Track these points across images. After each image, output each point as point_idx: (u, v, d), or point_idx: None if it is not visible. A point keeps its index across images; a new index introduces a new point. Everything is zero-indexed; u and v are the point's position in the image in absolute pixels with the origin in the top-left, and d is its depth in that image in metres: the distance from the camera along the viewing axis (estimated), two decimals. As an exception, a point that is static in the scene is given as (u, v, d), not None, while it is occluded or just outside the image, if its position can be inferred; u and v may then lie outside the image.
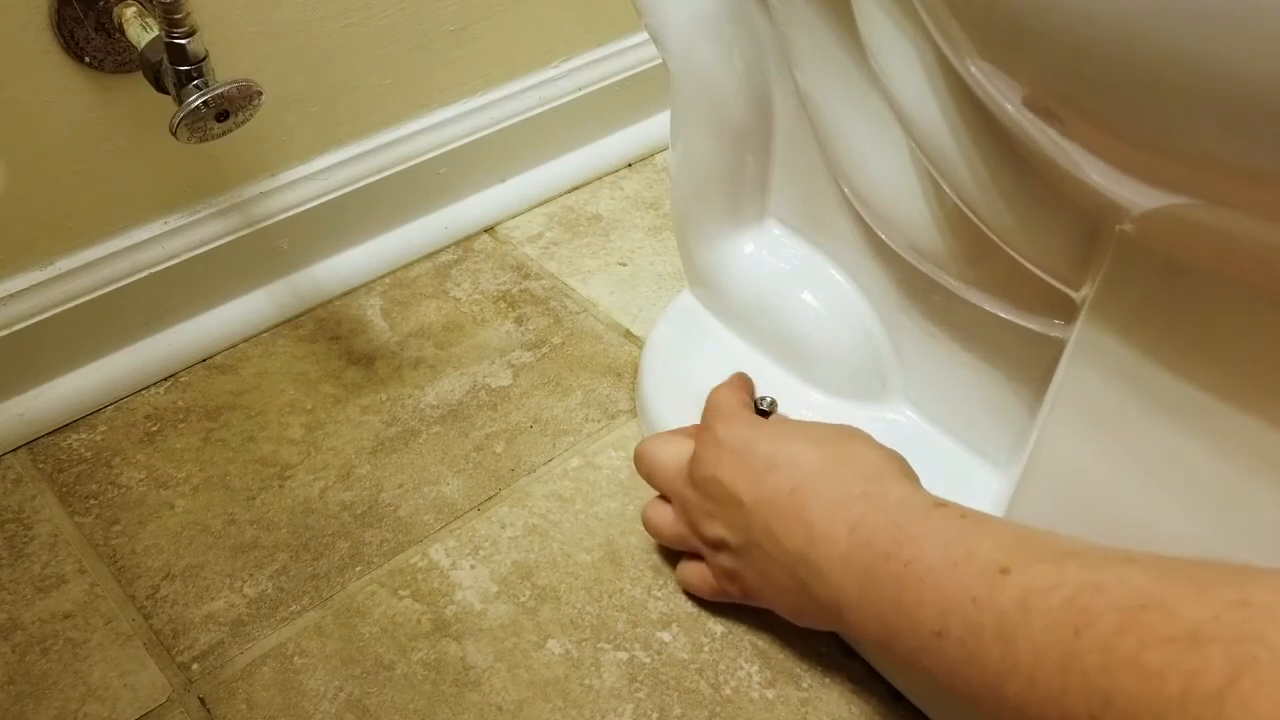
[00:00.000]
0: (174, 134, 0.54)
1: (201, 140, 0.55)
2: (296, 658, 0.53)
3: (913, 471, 0.46)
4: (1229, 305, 0.34)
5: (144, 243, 0.65)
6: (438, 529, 0.59)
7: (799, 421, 0.54)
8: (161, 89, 0.56)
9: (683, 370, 0.63)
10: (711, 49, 0.54)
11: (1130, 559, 0.33)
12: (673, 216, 0.68)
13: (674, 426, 0.59)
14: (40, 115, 0.59)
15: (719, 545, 0.49)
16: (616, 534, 0.58)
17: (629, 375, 0.68)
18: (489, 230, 0.80)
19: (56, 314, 0.63)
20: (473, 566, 0.57)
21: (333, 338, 0.71)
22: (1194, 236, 0.32)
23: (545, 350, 0.70)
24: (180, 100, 0.54)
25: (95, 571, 0.57)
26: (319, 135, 0.71)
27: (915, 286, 0.54)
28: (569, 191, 0.84)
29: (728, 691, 0.51)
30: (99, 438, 0.64)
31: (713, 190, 0.59)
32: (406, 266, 0.77)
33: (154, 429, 0.65)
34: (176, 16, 0.52)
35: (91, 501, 0.61)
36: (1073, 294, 0.41)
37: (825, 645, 0.53)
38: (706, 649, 0.53)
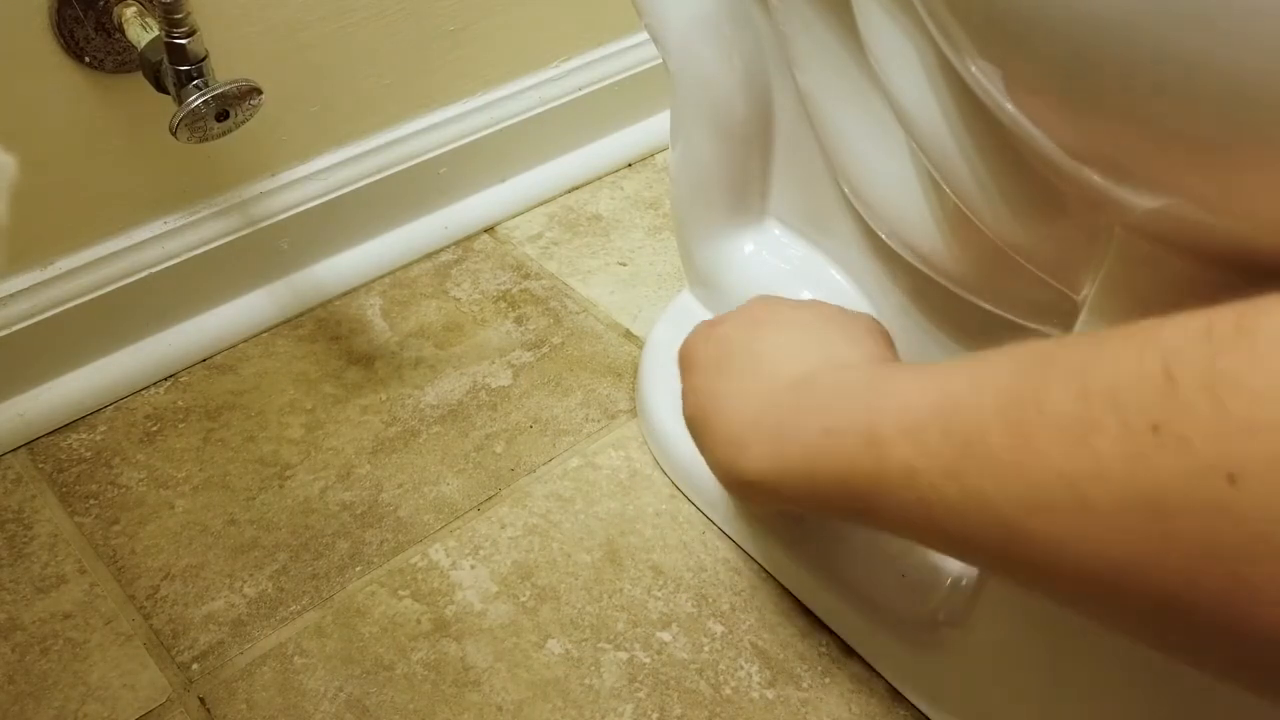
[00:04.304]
0: (174, 134, 0.54)
1: (201, 140, 0.56)
2: (296, 658, 0.53)
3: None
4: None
5: (144, 243, 0.65)
6: (438, 529, 0.59)
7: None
8: (161, 89, 0.56)
9: (683, 370, 0.63)
10: (711, 49, 0.54)
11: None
12: (673, 216, 0.68)
13: (674, 427, 0.59)
14: (40, 115, 0.59)
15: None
16: (616, 534, 0.58)
17: (629, 375, 0.68)
18: (489, 230, 0.80)
19: (56, 314, 0.63)
20: (473, 566, 0.57)
21: (333, 338, 0.71)
22: (1194, 236, 0.32)
23: (545, 350, 0.70)
24: (180, 100, 0.54)
25: (95, 571, 0.57)
26: (319, 135, 0.71)
27: (916, 287, 0.53)
28: (569, 191, 0.84)
29: (728, 691, 0.51)
30: (99, 438, 0.64)
31: (713, 190, 0.59)
32: (406, 266, 0.77)
33: (154, 429, 0.65)
34: (176, 16, 0.52)
35: (91, 501, 0.61)
36: (1073, 294, 0.41)
37: (825, 645, 0.53)
38: (706, 649, 0.53)
